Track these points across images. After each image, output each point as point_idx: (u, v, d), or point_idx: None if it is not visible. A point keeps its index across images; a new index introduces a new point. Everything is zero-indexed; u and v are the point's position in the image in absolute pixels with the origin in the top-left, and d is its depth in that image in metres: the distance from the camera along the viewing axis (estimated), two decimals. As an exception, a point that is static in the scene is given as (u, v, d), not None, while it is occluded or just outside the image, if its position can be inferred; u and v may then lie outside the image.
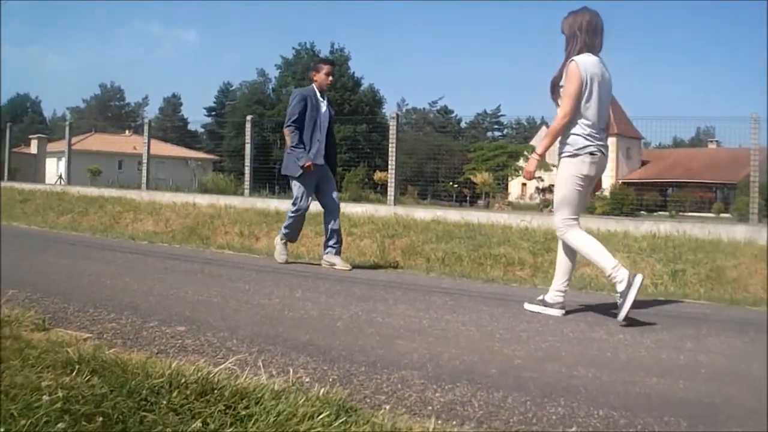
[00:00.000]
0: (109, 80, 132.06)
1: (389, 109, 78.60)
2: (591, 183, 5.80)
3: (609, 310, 5.67)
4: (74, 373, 2.90)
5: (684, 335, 4.94)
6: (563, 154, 5.72)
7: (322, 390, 2.91)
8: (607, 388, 3.41)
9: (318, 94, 8.58)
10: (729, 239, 10.56)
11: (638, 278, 5.25)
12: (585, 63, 5.64)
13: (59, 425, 2.37)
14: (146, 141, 20.47)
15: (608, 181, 53.80)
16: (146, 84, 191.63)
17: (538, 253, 9.75)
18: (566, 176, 5.69)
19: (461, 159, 51.54)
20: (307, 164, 8.27)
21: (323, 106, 8.59)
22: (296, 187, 8.45)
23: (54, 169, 34.79)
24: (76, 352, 3.18)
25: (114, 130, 78.39)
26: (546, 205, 35.43)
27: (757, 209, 12.38)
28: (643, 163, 70.49)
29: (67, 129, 23.78)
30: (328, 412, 2.66)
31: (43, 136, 35.51)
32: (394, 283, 7.05)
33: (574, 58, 5.67)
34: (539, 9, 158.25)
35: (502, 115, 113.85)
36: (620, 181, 55.86)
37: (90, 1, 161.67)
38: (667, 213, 34.39)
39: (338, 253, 8.60)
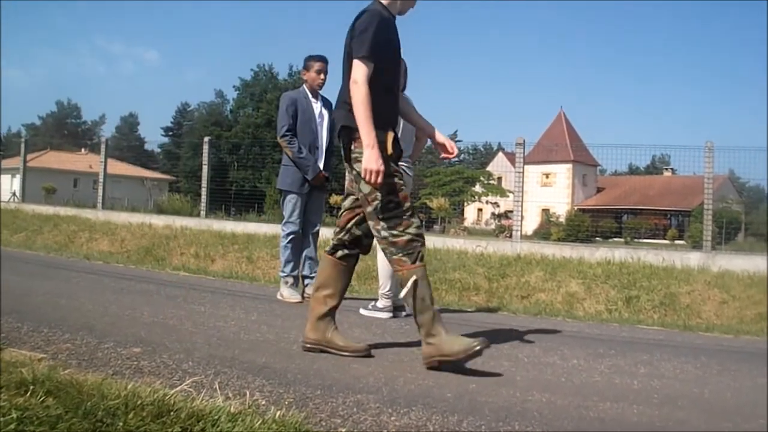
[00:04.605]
0: (66, 97, 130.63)
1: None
2: None
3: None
4: (28, 394, 2.87)
5: (638, 360, 5.00)
6: None
7: (279, 413, 2.91)
8: (562, 413, 3.44)
9: (310, 95, 7.69)
10: (683, 266, 10.72)
11: (385, 315, 6.60)
12: None
13: (13, 446, 2.35)
14: (103, 160, 20.30)
15: (564, 207, 54.36)
16: (103, 102, 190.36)
17: (494, 279, 9.82)
18: None
19: (417, 184, 51.68)
20: (320, 174, 7.56)
21: (317, 108, 7.69)
22: (291, 204, 7.56)
23: (8, 186, 34.31)
24: (30, 372, 3.15)
25: (70, 148, 77.71)
26: (502, 231, 35.61)
27: (711, 236, 12.57)
28: (599, 190, 71.28)
29: (22, 146, 23.56)
30: (284, 435, 2.66)
31: (-3, 152, 35.10)
32: (349, 308, 7.05)
33: None
34: (496, 37, 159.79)
35: (458, 141, 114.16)
36: (576, 208, 56.38)
37: (48, 15, 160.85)
38: (622, 239, 34.70)
39: None
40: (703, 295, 9.00)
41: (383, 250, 4.42)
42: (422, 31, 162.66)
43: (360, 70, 4.33)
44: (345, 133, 4.50)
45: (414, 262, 4.30)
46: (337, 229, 4.71)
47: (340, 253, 4.68)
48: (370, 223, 4.44)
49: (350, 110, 4.39)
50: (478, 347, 4.13)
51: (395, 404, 3.39)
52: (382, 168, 4.25)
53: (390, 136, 4.45)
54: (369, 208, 4.40)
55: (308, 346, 4.64)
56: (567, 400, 3.71)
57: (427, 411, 3.31)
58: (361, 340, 5.19)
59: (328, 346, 4.59)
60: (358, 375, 4.05)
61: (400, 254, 4.30)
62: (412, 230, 4.33)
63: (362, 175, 4.29)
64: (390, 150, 4.41)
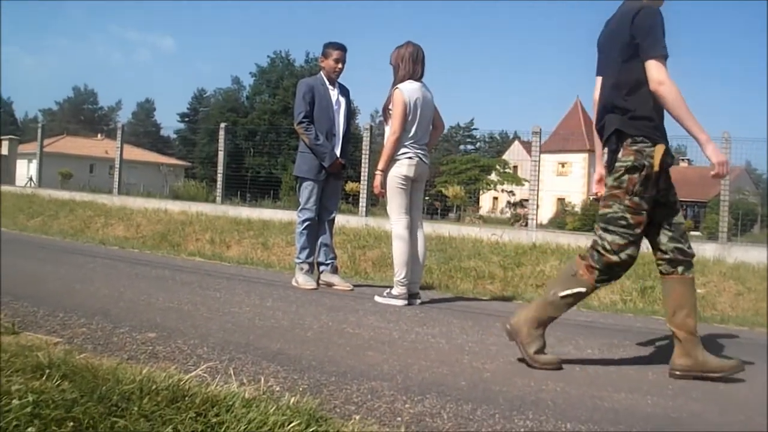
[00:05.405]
0: (82, 83, 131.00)
1: (363, 120, 78.39)
2: (411, 183, 6.73)
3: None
4: (44, 378, 2.89)
5: (652, 351, 4.99)
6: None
7: (293, 399, 2.92)
8: (575, 402, 3.44)
9: (327, 82, 7.64)
10: (698, 257, 10.59)
11: (400, 302, 6.53)
12: (408, 89, 6.61)
13: (29, 429, 2.36)
14: (119, 145, 20.37)
15: (579, 196, 54.16)
16: (120, 88, 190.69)
17: (509, 267, 9.79)
18: (390, 177, 6.66)
19: (433, 171, 51.56)
20: (337, 162, 7.54)
21: (334, 96, 7.65)
22: (307, 190, 7.54)
23: (25, 171, 34.44)
24: (46, 356, 3.17)
25: (86, 134, 77.83)
26: (517, 219, 35.52)
27: (727, 228, 12.50)
28: (615, 180, 70.84)
29: (39, 131, 23.60)
30: (298, 421, 2.67)
31: (14, 137, 35.11)
32: (364, 295, 7.05)
33: (398, 86, 6.64)
34: (514, 25, 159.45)
35: (475, 129, 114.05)
36: (591, 197, 56.16)
37: (66, 2, 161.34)
38: (637, 230, 34.54)
39: (335, 270, 7.77)
40: (718, 286, 8.95)
41: (590, 248, 4.31)
42: (439, 19, 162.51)
43: (663, 71, 4.10)
44: (614, 138, 4.26)
45: (597, 279, 4.25)
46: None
47: (680, 267, 4.31)
48: (596, 225, 4.35)
49: (623, 115, 4.22)
50: (553, 365, 4.22)
51: (409, 392, 3.40)
52: (727, 158, 4.02)
53: (661, 149, 4.19)
54: (600, 211, 4.29)
55: (678, 373, 4.19)
56: (581, 390, 3.71)
57: (441, 399, 3.31)
58: (375, 327, 5.21)
59: (702, 371, 4.18)
60: (373, 362, 4.05)
61: (597, 266, 4.23)
62: (624, 256, 4.17)
63: (716, 172, 4.09)
64: (658, 166, 4.16)
